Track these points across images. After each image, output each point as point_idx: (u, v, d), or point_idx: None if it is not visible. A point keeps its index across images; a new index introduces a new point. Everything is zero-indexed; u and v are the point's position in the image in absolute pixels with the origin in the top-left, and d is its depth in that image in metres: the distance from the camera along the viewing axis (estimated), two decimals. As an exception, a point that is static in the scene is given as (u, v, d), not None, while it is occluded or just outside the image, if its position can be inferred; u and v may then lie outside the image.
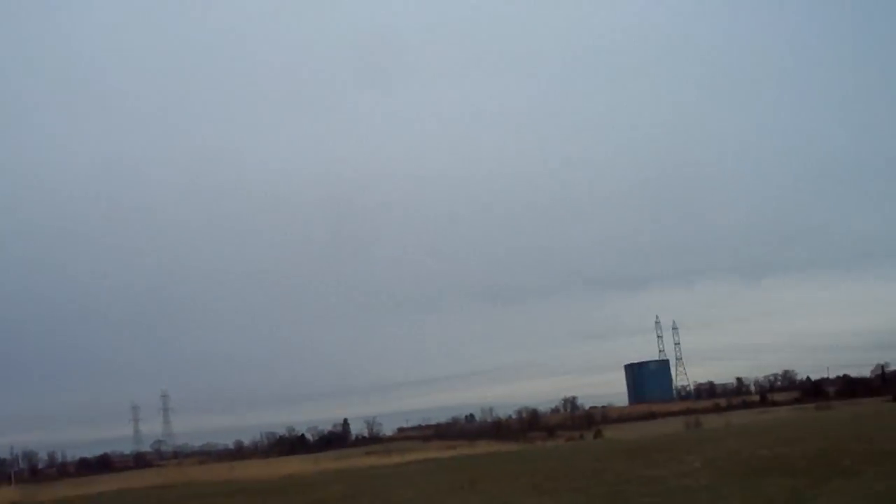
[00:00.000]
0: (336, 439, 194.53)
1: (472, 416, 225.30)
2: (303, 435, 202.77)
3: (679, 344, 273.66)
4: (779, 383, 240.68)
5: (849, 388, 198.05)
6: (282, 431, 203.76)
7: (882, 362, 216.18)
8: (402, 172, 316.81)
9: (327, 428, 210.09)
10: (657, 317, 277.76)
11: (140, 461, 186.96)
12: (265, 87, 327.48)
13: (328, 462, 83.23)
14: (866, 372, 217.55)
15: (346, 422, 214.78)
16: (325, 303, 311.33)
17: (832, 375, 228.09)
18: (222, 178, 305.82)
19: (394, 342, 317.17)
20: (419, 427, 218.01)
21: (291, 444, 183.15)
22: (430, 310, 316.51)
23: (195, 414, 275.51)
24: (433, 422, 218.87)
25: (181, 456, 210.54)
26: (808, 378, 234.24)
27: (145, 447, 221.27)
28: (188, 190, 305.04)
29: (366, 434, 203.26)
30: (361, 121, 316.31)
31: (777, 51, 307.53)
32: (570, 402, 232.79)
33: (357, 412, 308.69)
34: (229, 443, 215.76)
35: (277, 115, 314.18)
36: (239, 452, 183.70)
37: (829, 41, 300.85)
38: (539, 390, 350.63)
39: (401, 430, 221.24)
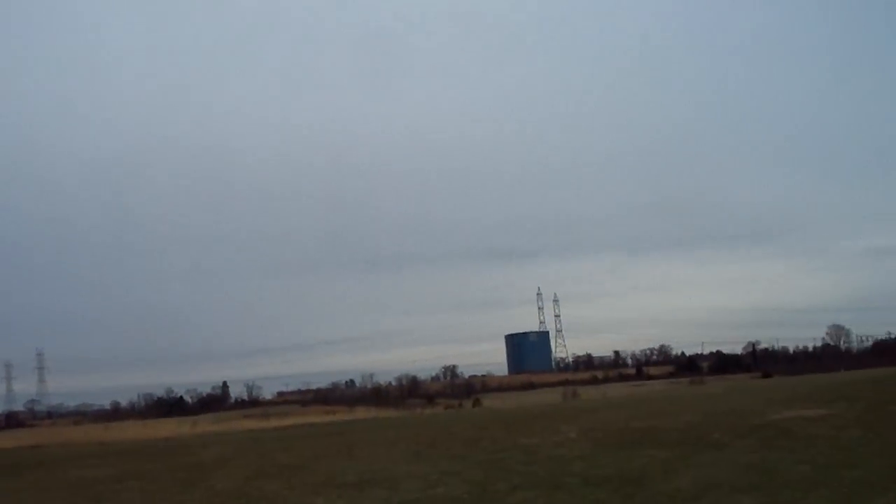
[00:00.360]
0: (215, 402, 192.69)
1: (352, 381, 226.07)
2: (181, 397, 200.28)
3: (559, 316, 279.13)
4: (654, 357, 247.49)
5: (721, 363, 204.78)
6: (160, 393, 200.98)
7: (753, 340, 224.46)
8: (286, 141, 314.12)
9: (206, 390, 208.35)
10: (539, 289, 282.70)
11: (12, 421, 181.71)
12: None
13: (206, 425, 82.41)
14: (738, 349, 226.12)
15: (225, 384, 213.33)
16: (206, 265, 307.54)
17: (706, 351, 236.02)
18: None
19: (275, 306, 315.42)
20: (299, 391, 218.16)
21: (169, 406, 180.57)
22: (313, 275, 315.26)
23: (71, 373, 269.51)
24: (313, 386, 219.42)
25: (55, 416, 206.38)
26: (682, 353, 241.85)
27: (18, 406, 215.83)
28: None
29: (245, 397, 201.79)
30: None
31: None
32: (451, 371, 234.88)
33: (237, 375, 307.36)
34: (105, 403, 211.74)
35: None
36: (115, 414, 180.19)
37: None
38: (420, 358, 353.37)
39: (280, 394, 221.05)
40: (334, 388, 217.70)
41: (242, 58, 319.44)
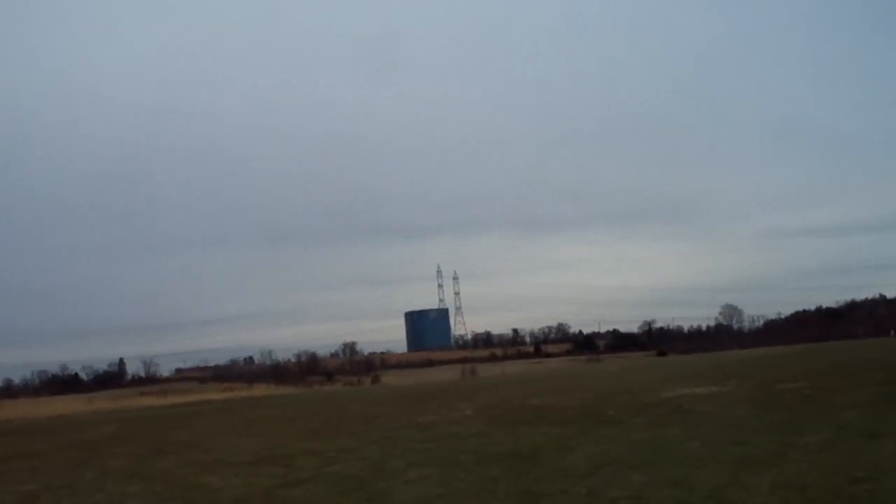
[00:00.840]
0: (111, 379, 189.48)
1: (251, 358, 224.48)
2: (76, 374, 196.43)
3: (459, 293, 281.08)
4: (553, 335, 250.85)
5: (618, 342, 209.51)
6: (54, 370, 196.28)
7: (649, 319, 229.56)
8: (188, 119, 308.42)
9: (102, 367, 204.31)
10: (439, 266, 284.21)
11: None
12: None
13: (102, 402, 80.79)
14: (635, 328, 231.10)
15: (121, 361, 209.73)
16: (105, 237, 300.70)
17: (603, 330, 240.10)
18: None
19: (174, 281, 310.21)
20: (198, 368, 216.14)
21: (64, 383, 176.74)
22: (212, 250, 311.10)
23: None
24: (212, 363, 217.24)
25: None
26: (580, 331, 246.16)
27: None
28: None
29: (142, 374, 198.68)
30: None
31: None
32: (350, 348, 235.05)
33: (134, 351, 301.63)
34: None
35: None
36: (8, 391, 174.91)
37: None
38: (320, 334, 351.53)
39: (179, 370, 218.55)
40: (233, 364, 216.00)
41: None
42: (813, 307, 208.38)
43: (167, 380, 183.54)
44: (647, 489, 11.33)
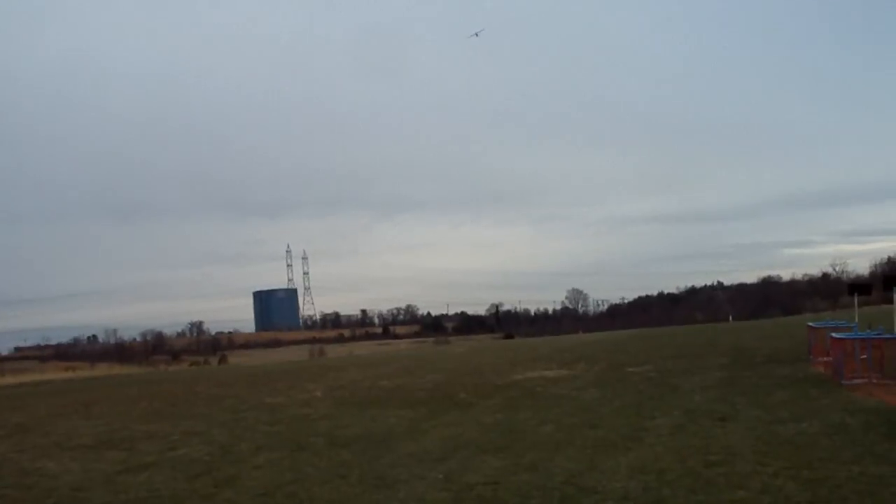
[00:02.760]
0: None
1: (94, 336, 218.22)
2: None
3: (308, 273, 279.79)
4: (401, 317, 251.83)
5: (466, 324, 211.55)
6: None
7: (497, 302, 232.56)
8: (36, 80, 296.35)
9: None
10: (288, 245, 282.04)
11: None
12: None
13: (-68, 381, 77.01)
14: (482, 310, 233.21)
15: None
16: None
17: (451, 312, 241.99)
18: None
19: (14, 255, 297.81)
20: (38, 347, 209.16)
21: None
22: (56, 224, 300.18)
23: None
24: (53, 342, 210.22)
25: None
26: (428, 313, 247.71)
27: None
28: None
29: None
30: None
31: None
32: (197, 327, 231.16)
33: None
34: None
35: None
36: None
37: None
38: (166, 313, 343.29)
39: (18, 349, 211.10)
40: (76, 343, 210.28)
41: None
42: (655, 292, 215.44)
43: (5, 358, 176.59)
44: (503, 474, 11.14)
